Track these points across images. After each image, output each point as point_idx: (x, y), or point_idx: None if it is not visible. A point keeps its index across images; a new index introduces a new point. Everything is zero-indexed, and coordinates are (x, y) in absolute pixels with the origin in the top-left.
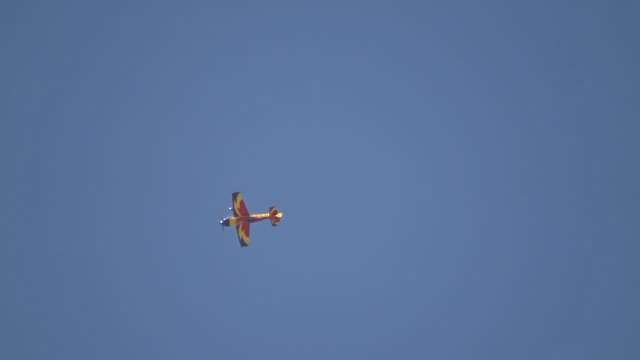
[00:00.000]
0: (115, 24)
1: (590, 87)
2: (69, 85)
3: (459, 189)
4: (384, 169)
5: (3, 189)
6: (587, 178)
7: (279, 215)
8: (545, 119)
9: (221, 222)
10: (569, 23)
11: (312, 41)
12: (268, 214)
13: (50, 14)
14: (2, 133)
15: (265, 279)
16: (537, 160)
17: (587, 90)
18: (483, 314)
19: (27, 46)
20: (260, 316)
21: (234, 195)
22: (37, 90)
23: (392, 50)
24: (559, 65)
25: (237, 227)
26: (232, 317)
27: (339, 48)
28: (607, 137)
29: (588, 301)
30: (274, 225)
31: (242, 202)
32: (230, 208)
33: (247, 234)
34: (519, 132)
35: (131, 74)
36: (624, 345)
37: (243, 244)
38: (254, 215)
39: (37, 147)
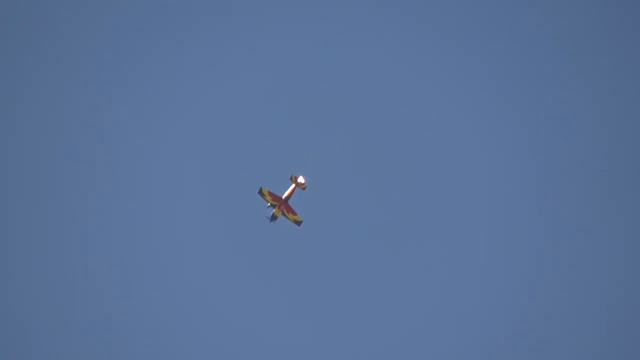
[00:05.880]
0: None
1: None
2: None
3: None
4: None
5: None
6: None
7: (301, 180)
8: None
9: (268, 219)
10: None
11: None
12: (293, 185)
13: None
14: None
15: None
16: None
17: None
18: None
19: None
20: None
21: (260, 193)
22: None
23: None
24: None
25: (282, 214)
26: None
27: None
28: None
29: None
30: (303, 189)
31: (270, 193)
32: (267, 205)
33: (294, 213)
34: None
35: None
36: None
37: (298, 223)
38: (285, 195)
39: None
